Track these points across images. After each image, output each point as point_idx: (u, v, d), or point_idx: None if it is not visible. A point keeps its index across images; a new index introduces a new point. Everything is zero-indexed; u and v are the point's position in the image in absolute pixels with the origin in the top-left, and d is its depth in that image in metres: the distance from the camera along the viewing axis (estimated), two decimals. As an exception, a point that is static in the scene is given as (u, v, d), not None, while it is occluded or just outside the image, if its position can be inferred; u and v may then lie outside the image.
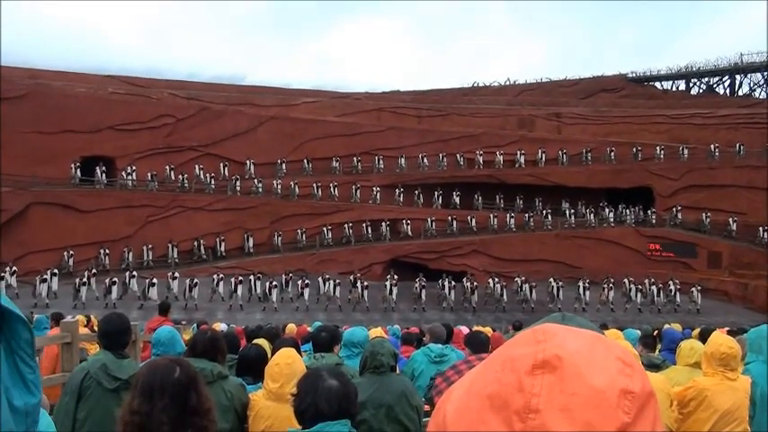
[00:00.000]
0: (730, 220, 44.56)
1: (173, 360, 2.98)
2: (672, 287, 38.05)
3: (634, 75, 60.99)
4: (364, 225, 42.25)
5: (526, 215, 44.73)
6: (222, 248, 40.03)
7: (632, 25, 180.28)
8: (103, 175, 40.03)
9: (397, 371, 5.57)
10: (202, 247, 39.93)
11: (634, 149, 48.18)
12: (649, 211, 46.18)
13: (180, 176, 41.51)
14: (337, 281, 35.04)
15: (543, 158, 47.45)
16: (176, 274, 34.15)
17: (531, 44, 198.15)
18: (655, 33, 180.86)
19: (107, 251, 37.62)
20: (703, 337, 8.94)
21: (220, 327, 15.39)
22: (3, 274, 31.26)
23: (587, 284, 36.90)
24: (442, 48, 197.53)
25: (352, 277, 35.80)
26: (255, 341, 7.45)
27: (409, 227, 42.70)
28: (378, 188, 44.09)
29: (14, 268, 32.42)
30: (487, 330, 16.60)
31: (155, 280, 32.27)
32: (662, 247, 44.29)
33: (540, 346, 0.77)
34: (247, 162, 43.33)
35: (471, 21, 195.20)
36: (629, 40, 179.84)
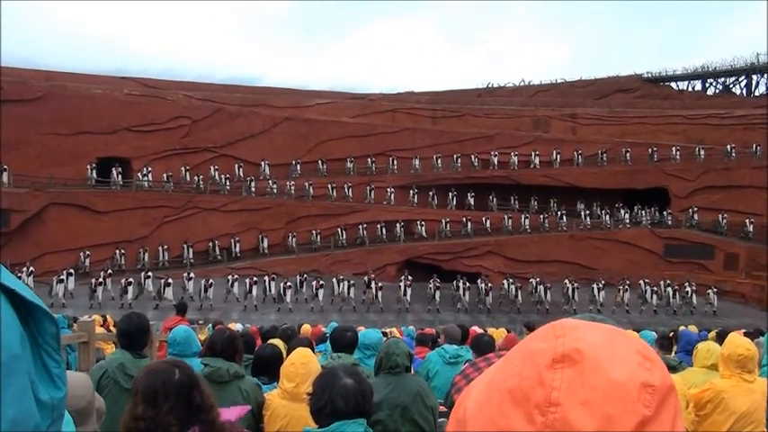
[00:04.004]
0: (747, 221, 44.19)
1: (170, 362, 3.01)
2: (688, 289, 37.81)
3: (650, 75, 60.59)
4: (378, 226, 42.23)
5: (541, 216, 44.53)
6: (237, 249, 40.12)
7: (653, 27, 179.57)
8: (119, 176, 40.22)
9: (412, 371, 5.57)
10: (217, 248, 40.04)
11: (650, 150, 47.87)
12: (665, 213, 45.88)
13: (195, 177, 41.66)
14: (351, 282, 35.10)
15: (558, 159, 47.27)
16: (192, 275, 34.30)
17: (553, 46, 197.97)
18: (674, 35, 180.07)
19: (123, 251, 37.86)
20: (720, 339, 8.89)
21: (236, 327, 15.44)
22: (20, 275, 31.48)
23: (602, 286, 36.75)
24: (464, 49, 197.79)
25: (366, 278, 35.83)
26: (271, 341, 7.48)
27: (423, 228, 42.64)
28: (392, 189, 44.07)
29: (31, 268, 32.63)
30: (502, 332, 16.60)
31: (170, 280, 32.44)
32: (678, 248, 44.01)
33: (559, 340, 0.77)
34: (262, 163, 43.44)
35: (493, 23, 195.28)
36: (650, 41, 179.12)
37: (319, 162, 44.66)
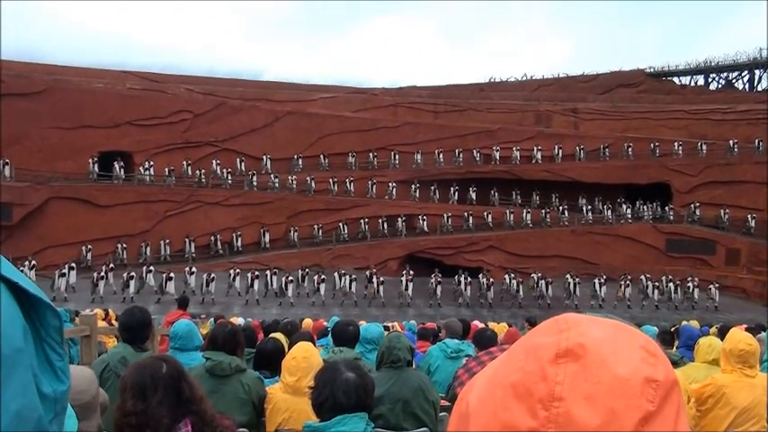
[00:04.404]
0: (749, 216, 44.08)
1: (157, 358, 3.06)
2: (690, 284, 37.77)
3: (652, 70, 60.44)
4: (380, 220, 42.21)
5: (543, 211, 44.51)
6: (239, 243, 40.15)
7: (654, 24, 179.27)
8: (121, 170, 40.21)
9: (413, 366, 5.58)
10: (219, 242, 40.08)
11: (652, 145, 47.76)
12: (667, 208, 45.78)
13: (197, 171, 41.65)
14: (353, 276, 35.09)
15: (560, 154, 47.16)
16: (193, 269, 34.32)
17: (553, 46, 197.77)
18: (676, 31, 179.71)
19: (125, 246, 37.87)
20: (722, 334, 8.89)
21: (238, 321, 15.44)
22: (22, 269, 31.50)
23: (604, 281, 36.74)
24: (464, 48, 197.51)
25: (367, 273, 35.82)
26: (272, 335, 7.49)
27: (425, 222, 42.60)
28: (394, 184, 44.01)
29: (33, 262, 32.68)
30: (503, 326, 16.59)
31: (172, 274, 32.47)
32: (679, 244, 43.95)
33: (563, 334, 0.77)
34: (264, 157, 43.40)
35: (494, 22, 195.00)
36: (652, 39, 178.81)
37: (321, 156, 44.61)
